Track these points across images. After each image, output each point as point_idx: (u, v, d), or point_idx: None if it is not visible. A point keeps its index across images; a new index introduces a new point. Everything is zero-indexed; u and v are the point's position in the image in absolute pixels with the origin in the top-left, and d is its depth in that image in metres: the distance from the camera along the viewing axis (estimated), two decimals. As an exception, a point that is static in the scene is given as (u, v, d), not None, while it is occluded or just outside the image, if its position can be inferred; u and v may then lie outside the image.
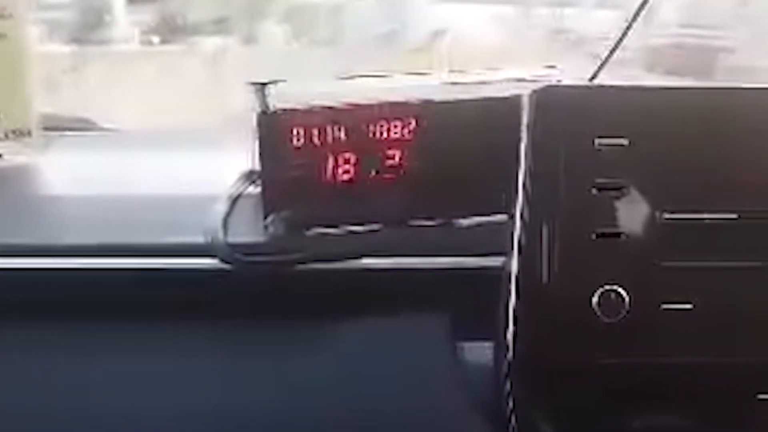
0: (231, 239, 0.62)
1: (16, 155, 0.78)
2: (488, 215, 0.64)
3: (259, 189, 0.64)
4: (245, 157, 0.65)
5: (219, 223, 0.62)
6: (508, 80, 0.64)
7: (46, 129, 0.85)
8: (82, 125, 1.04)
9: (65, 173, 0.78)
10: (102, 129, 1.04)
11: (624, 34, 0.68)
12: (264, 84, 0.63)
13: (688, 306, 0.57)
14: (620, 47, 0.69)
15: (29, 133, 0.78)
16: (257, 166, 0.64)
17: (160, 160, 0.84)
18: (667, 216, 0.58)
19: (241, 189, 0.67)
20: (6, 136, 0.78)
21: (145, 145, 0.94)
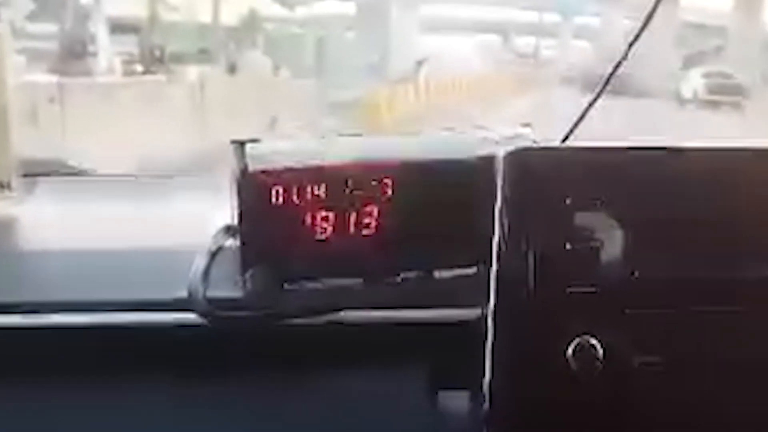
0: (210, 294, 0.62)
1: (-3, 207, 0.79)
2: (464, 267, 0.65)
3: (238, 240, 0.65)
4: (225, 205, 0.65)
5: (198, 278, 0.63)
6: (484, 140, 0.66)
7: (26, 175, 0.86)
8: (61, 169, 1.04)
9: (45, 226, 0.79)
10: (80, 173, 1.05)
11: (595, 98, 0.70)
12: (242, 143, 0.64)
13: (658, 359, 0.58)
14: (592, 107, 0.71)
15: (8, 186, 0.79)
16: (236, 221, 0.64)
17: (139, 209, 0.85)
18: (640, 272, 0.59)
19: (220, 243, 0.68)
20: (-14, 187, 0.79)
21: (124, 191, 0.95)
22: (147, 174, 1.05)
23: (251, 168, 0.62)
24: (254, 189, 0.62)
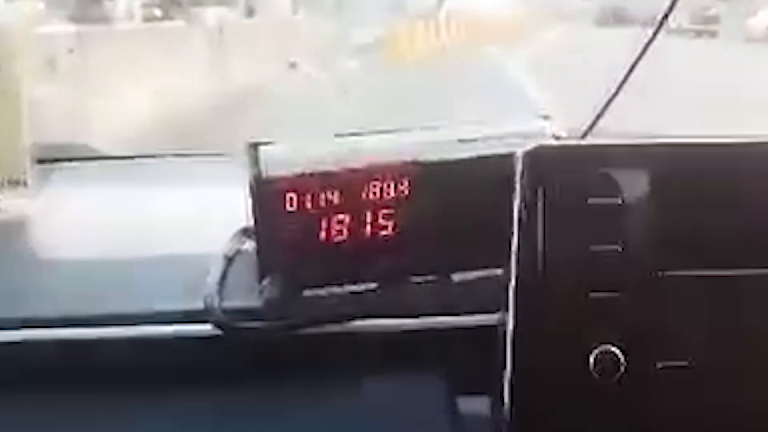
0: (226, 304, 0.62)
1: (12, 206, 0.79)
2: (483, 269, 0.64)
3: (254, 247, 0.64)
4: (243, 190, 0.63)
5: (214, 288, 0.63)
6: (503, 136, 0.64)
7: (42, 161, 0.85)
8: (78, 152, 1.04)
9: (60, 227, 0.78)
10: (98, 156, 1.04)
11: (616, 92, 0.67)
12: (256, 145, 0.62)
13: (685, 363, 0.57)
14: (611, 104, 0.68)
15: (25, 183, 0.78)
16: (251, 222, 0.64)
17: (156, 201, 0.84)
18: (662, 273, 0.58)
19: (236, 247, 0.67)
20: (2, 185, 0.78)
21: (142, 178, 0.94)
22: (171, 152, 1.03)
23: (265, 173, 0.61)
24: (269, 195, 0.61)
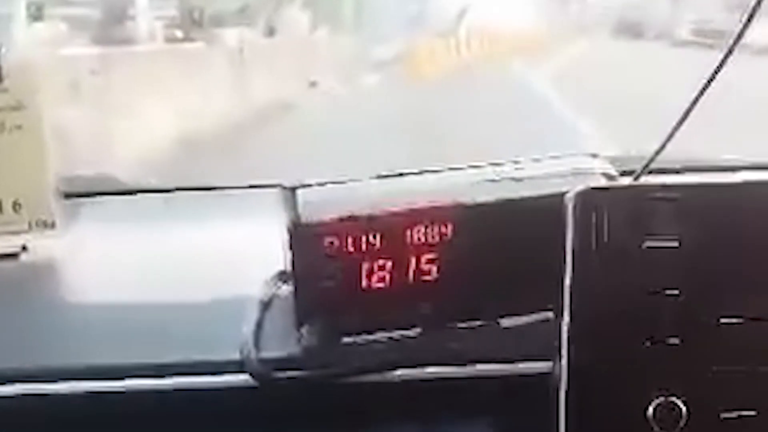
0: (263, 354, 0.59)
1: (39, 247, 0.77)
2: (533, 314, 0.62)
3: (291, 290, 0.62)
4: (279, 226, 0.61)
5: (250, 336, 0.60)
6: (550, 175, 0.61)
7: (69, 196, 0.84)
8: (105, 185, 1.02)
9: (89, 268, 0.76)
10: (127, 190, 1.02)
11: (677, 126, 0.64)
12: (294, 189, 0.60)
13: (752, 413, 0.54)
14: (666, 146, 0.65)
15: (53, 225, 0.76)
16: (289, 267, 0.61)
17: (188, 238, 0.82)
18: (724, 319, 0.55)
19: (272, 292, 0.65)
20: (30, 227, 0.76)
21: (173, 212, 0.92)
22: (204, 187, 1.01)
23: (303, 218, 0.59)
24: (307, 239, 0.59)
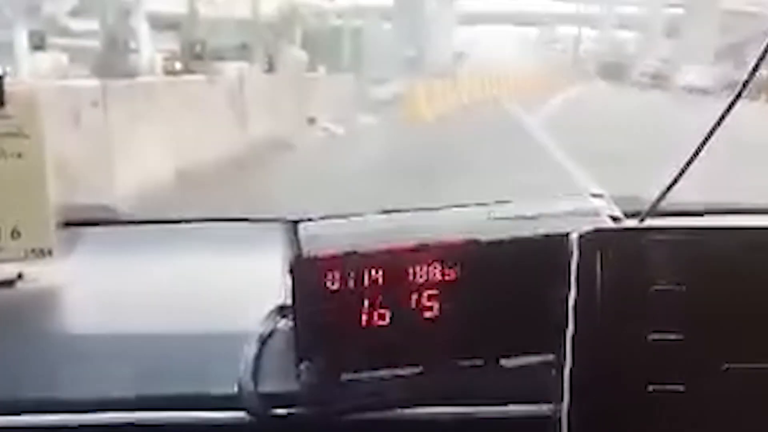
0: (262, 389, 0.58)
1: (38, 275, 0.76)
2: (534, 355, 0.61)
3: (291, 325, 0.61)
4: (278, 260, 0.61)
5: (249, 371, 0.59)
6: (554, 215, 0.61)
7: (67, 224, 0.83)
8: (102, 215, 1.01)
9: (87, 298, 0.75)
10: (123, 220, 1.01)
11: (676, 179, 0.64)
12: (295, 222, 0.60)
13: None
14: (671, 190, 0.65)
15: (50, 252, 0.76)
16: (289, 302, 0.61)
17: (184, 270, 0.81)
18: (728, 365, 0.54)
19: (271, 326, 0.64)
20: (26, 255, 0.75)
21: (170, 243, 0.91)
22: (200, 219, 1.00)
23: (305, 252, 0.58)
24: (309, 274, 0.58)
